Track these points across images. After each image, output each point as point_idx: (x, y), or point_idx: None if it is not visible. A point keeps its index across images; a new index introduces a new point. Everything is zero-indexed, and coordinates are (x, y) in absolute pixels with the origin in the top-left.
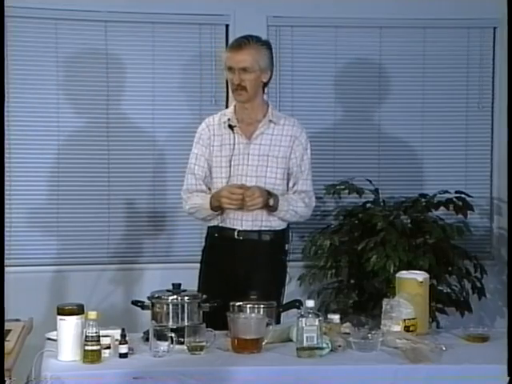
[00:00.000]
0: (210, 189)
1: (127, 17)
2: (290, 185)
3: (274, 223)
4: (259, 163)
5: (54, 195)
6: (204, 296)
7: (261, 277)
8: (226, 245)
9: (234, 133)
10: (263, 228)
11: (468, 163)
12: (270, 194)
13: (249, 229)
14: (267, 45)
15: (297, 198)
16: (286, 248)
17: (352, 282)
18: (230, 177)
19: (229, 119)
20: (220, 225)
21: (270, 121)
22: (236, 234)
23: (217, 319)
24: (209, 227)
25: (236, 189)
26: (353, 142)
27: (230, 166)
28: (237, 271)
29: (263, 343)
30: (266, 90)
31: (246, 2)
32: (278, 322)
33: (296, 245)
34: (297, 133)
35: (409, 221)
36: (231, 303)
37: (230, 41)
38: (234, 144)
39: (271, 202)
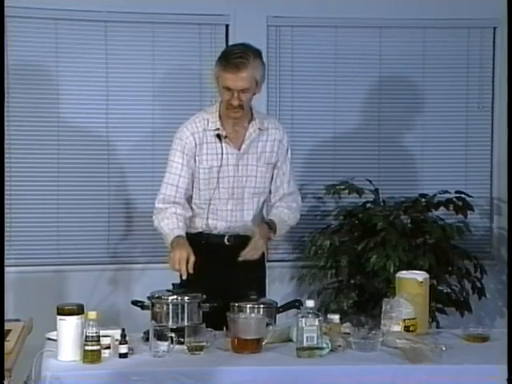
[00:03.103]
0: (191, 196)
1: (127, 17)
2: (273, 187)
3: None
4: (248, 173)
5: (54, 195)
6: (204, 296)
7: (251, 275)
8: (213, 250)
9: (221, 142)
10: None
11: (468, 163)
12: (270, 226)
13: (238, 234)
14: (260, 55)
15: (287, 211)
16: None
17: (352, 282)
18: (217, 188)
19: (218, 128)
20: (206, 232)
21: (259, 128)
22: (226, 240)
23: (209, 321)
24: (190, 234)
25: (183, 264)
26: (353, 142)
27: (218, 178)
28: (224, 273)
29: (263, 343)
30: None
31: (245, 2)
32: None
33: (296, 245)
34: (280, 136)
35: (409, 221)
36: (231, 304)
37: (230, 43)
38: (223, 154)
39: (272, 236)
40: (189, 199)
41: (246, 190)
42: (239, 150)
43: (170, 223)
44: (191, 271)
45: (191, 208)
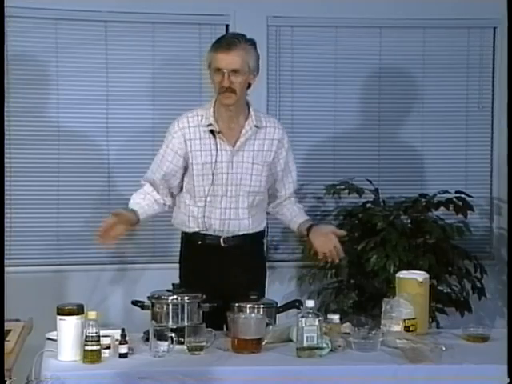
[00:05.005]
0: (190, 195)
1: (127, 17)
2: (277, 186)
3: (259, 226)
4: (243, 171)
5: (54, 195)
6: (204, 296)
7: (249, 276)
8: (210, 252)
9: (215, 138)
10: (249, 231)
11: (468, 163)
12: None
13: (235, 234)
14: (254, 44)
15: (298, 209)
16: (264, 243)
17: (352, 282)
18: (212, 184)
19: (211, 124)
20: (202, 232)
21: (256, 126)
22: (222, 241)
23: (209, 321)
24: (186, 233)
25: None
26: (353, 141)
27: (213, 174)
28: (223, 275)
29: (263, 343)
30: (248, 92)
31: (245, 2)
32: None
33: (296, 245)
34: (280, 135)
35: (409, 221)
36: (231, 304)
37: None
38: (217, 150)
39: None
40: (170, 191)
41: (241, 188)
42: (233, 146)
43: (136, 198)
44: (113, 240)
45: (185, 203)
